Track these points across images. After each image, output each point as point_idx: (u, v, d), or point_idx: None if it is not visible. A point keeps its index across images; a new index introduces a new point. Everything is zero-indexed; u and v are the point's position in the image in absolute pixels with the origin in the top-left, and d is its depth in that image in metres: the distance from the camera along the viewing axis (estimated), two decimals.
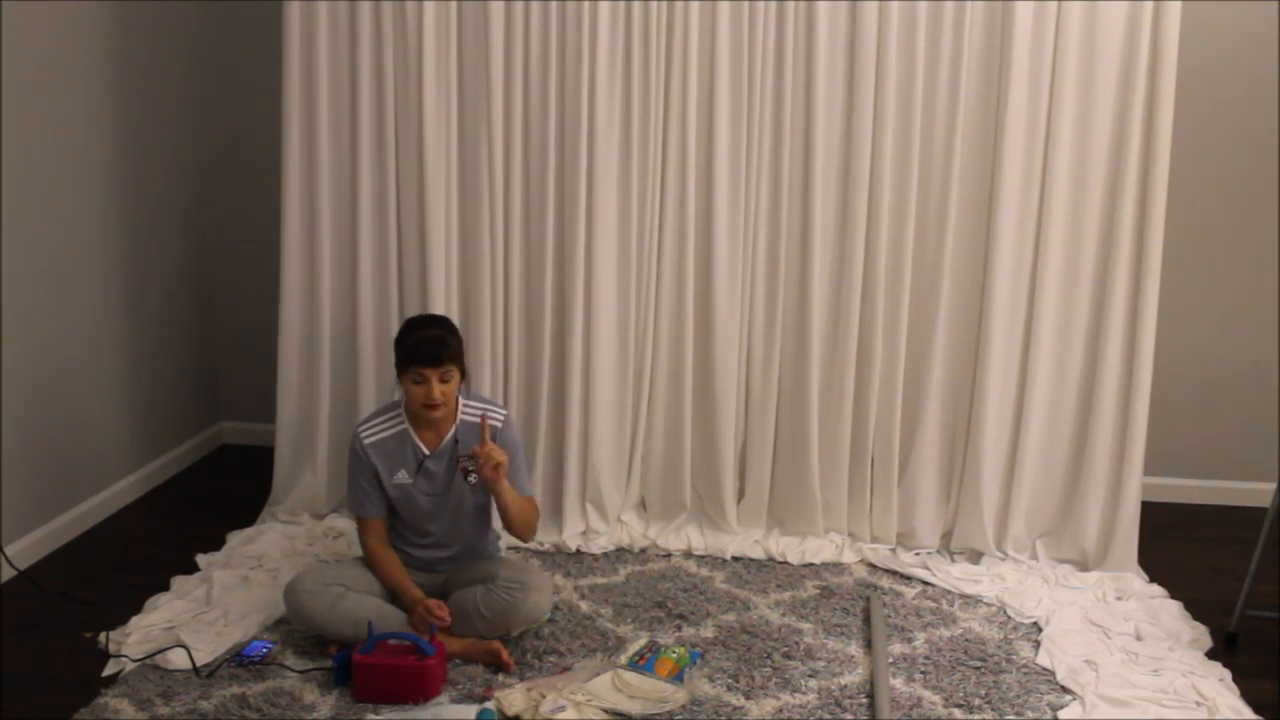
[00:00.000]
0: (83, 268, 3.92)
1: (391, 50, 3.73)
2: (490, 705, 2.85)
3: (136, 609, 3.35)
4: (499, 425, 3.19)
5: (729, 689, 2.98)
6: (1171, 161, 3.58)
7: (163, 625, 3.23)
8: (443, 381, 3.07)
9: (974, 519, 3.78)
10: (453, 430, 3.18)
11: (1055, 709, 2.93)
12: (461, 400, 3.21)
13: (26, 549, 3.65)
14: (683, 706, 2.88)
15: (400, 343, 3.12)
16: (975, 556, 3.80)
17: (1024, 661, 3.16)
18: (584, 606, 3.41)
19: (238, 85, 4.54)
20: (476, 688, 2.97)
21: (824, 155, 3.69)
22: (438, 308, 3.78)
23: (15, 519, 3.61)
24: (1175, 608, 3.46)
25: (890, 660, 3.13)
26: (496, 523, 3.53)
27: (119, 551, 3.83)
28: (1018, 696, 2.98)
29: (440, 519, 3.22)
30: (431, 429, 3.18)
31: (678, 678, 3.00)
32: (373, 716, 2.83)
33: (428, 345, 3.05)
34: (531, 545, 3.78)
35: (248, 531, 3.89)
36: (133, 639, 3.17)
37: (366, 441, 3.16)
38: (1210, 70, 4.02)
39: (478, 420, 3.19)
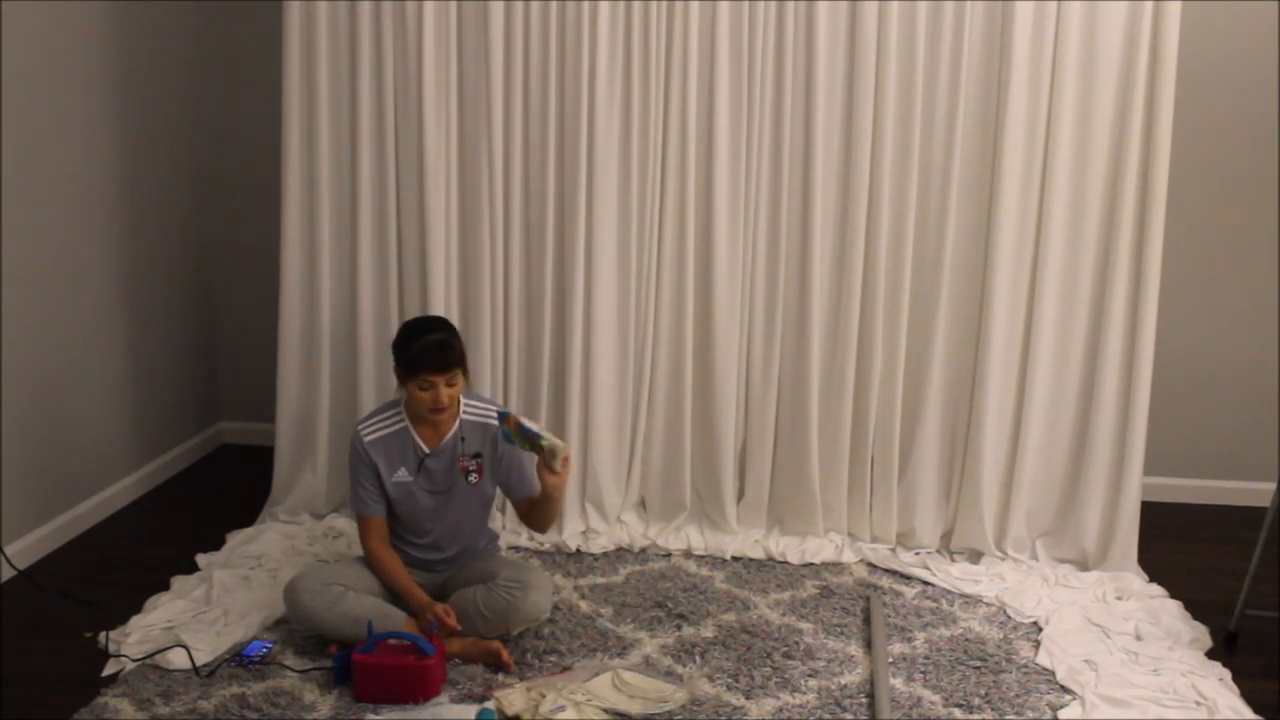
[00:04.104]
0: (83, 268, 3.92)
1: (391, 50, 3.73)
2: (490, 705, 2.85)
3: (136, 609, 3.35)
4: (496, 424, 3.19)
5: (729, 689, 2.98)
6: (1171, 161, 3.58)
7: (163, 625, 3.23)
8: (449, 386, 3.07)
9: (974, 519, 3.78)
10: (454, 429, 3.18)
11: (1055, 709, 2.93)
12: (463, 400, 3.21)
13: (26, 549, 3.65)
14: (683, 706, 2.89)
15: (403, 348, 3.10)
16: (975, 556, 3.80)
17: (1024, 661, 3.16)
18: (584, 606, 3.41)
19: (238, 85, 4.54)
20: (476, 688, 2.97)
21: (824, 155, 3.69)
22: (438, 307, 3.78)
23: (15, 519, 3.62)
24: (1175, 608, 3.46)
25: (890, 660, 3.13)
26: (495, 523, 3.54)
27: (119, 551, 3.83)
28: (1018, 696, 2.98)
29: (440, 518, 3.22)
30: (432, 428, 3.18)
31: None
32: (373, 716, 2.83)
33: (434, 351, 3.04)
34: (531, 545, 3.78)
35: (248, 531, 3.89)
36: (133, 639, 3.17)
37: (367, 440, 3.16)
38: (1210, 70, 4.02)
39: (478, 419, 3.20)
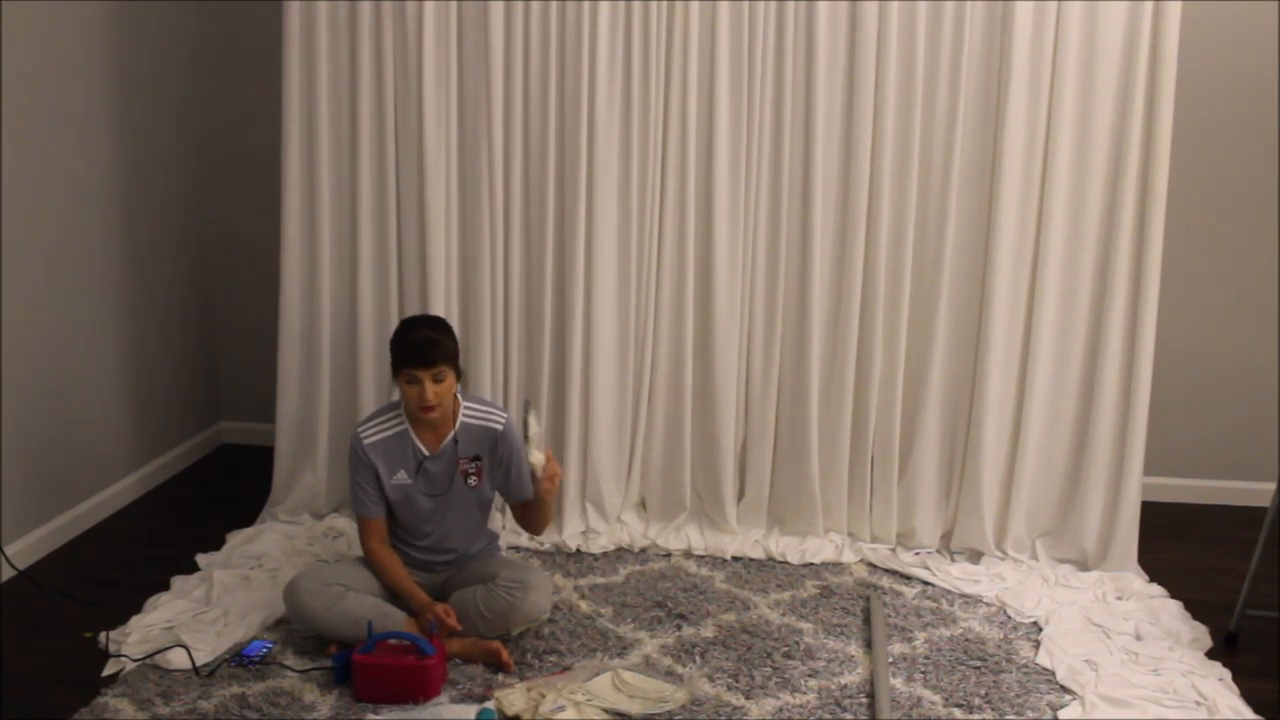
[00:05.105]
0: (83, 268, 3.92)
1: (391, 50, 3.73)
2: (490, 705, 2.85)
3: (136, 609, 3.35)
4: (499, 429, 3.19)
5: (729, 689, 2.98)
6: (1171, 161, 3.58)
7: (163, 625, 3.24)
8: (435, 382, 3.06)
9: (974, 519, 3.78)
10: (453, 432, 3.18)
11: (1055, 709, 2.93)
12: (463, 402, 3.21)
13: (26, 549, 3.65)
14: (683, 706, 2.89)
15: (394, 344, 3.12)
16: (975, 556, 3.80)
17: (1024, 661, 3.16)
18: (584, 606, 3.41)
19: (238, 85, 4.54)
20: (476, 688, 2.97)
21: (824, 155, 3.69)
22: (438, 308, 3.78)
23: (15, 519, 3.62)
24: (1175, 608, 3.46)
25: (890, 660, 3.13)
26: (495, 523, 3.54)
27: (119, 551, 3.83)
28: (1018, 696, 2.98)
29: (439, 521, 3.22)
30: (431, 430, 3.18)
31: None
32: (373, 716, 2.83)
33: (419, 346, 3.05)
34: (532, 545, 3.78)
35: (248, 531, 3.89)
36: (133, 639, 3.17)
37: (367, 442, 3.16)
38: (1210, 70, 4.02)
39: (478, 423, 3.20)
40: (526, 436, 3.12)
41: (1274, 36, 4.00)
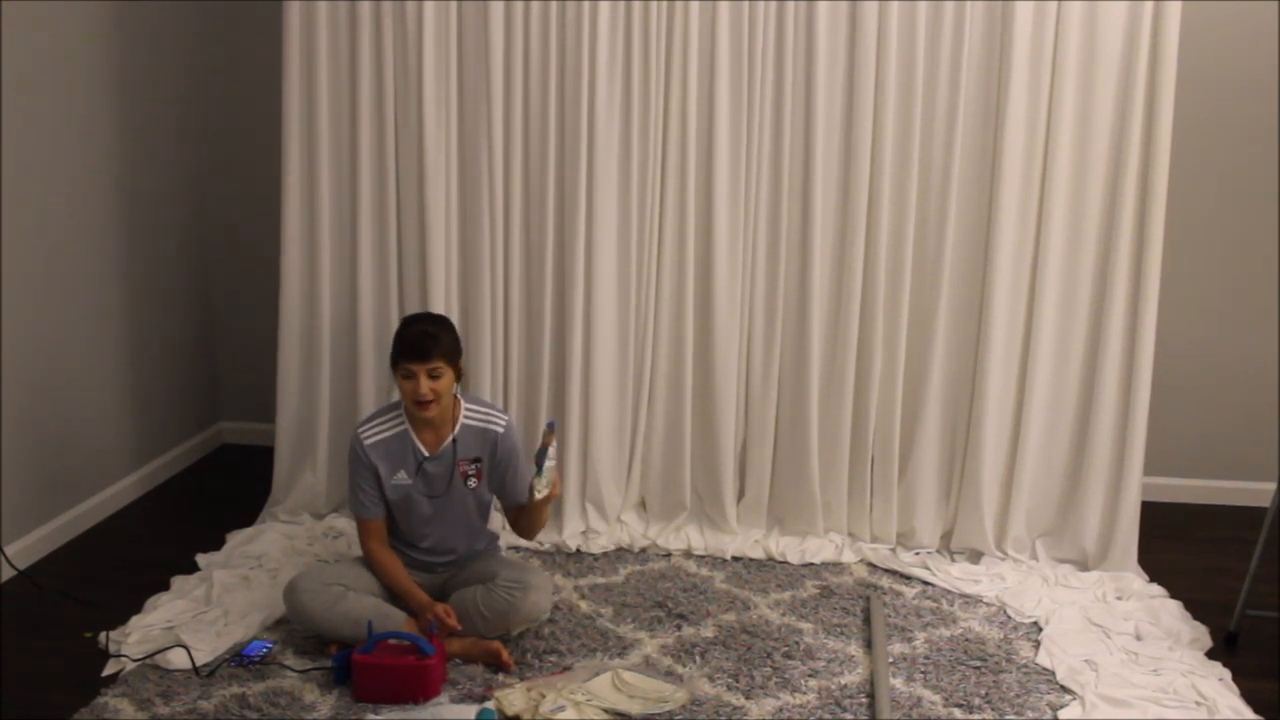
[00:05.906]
0: (83, 268, 3.92)
1: (391, 50, 3.73)
2: (490, 705, 2.85)
3: (136, 609, 3.35)
4: (500, 431, 3.19)
5: (729, 689, 2.98)
6: (1171, 161, 3.58)
7: (163, 625, 3.24)
8: (431, 378, 3.06)
9: (974, 519, 3.78)
10: (453, 433, 3.18)
11: (1055, 709, 2.93)
12: (463, 403, 3.21)
13: (26, 549, 3.65)
14: (683, 706, 2.89)
15: (394, 339, 3.14)
16: (975, 556, 3.80)
17: (1024, 661, 3.16)
18: (584, 606, 3.41)
19: (238, 85, 4.54)
20: (476, 688, 2.97)
21: (824, 155, 3.69)
22: (437, 307, 3.78)
23: (15, 519, 3.62)
24: (1175, 608, 3.46)
25: (890, 660, 3.13)
26: (495, 523, 3.54)
27: (119, 551, 3.83)
28: (1018, 696, 2.98)
29: (438, 522, 3.22)
30: (432, 431, 3.18)
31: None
32: (373, 716, 2.83)
33: (415, 340, 3.07)
34: (531, 545, 3.78)
35: (248, 531, 3.89)
36: (133, 639, 3.17)
37: (367, 443, 3.16)
38: (1210, 70, 4.02)
39: (479, 424, 3.19)
40: (541, 465, 3.08)
41: (1274, 36, 4.00)
